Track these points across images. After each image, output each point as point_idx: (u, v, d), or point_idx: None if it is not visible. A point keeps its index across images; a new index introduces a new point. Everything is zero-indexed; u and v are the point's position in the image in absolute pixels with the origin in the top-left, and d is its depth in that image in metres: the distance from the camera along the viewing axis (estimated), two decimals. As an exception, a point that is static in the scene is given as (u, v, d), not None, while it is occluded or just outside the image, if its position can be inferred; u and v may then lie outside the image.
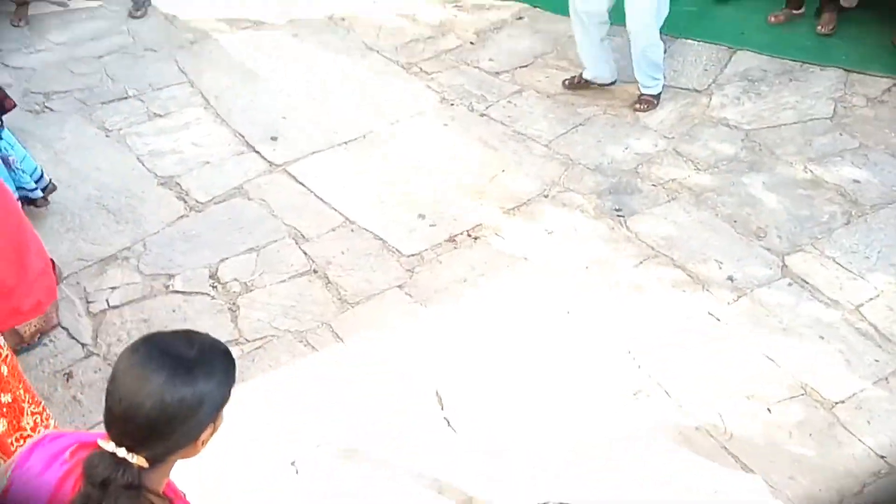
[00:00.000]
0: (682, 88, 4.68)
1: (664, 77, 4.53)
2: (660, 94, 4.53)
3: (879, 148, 4.11)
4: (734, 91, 4.62)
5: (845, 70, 4.71)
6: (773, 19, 5.22)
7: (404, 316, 3.35)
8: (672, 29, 5.16)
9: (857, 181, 3.89)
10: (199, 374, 1.30)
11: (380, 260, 3.61)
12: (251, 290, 3.47)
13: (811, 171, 3.98)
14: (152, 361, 1.28)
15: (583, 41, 4.49)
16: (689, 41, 5.07)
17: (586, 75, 4.62)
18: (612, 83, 4.63)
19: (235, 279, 3.52)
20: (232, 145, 4.33)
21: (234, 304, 3.42)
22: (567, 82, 4.71)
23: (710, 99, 4.58)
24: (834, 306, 3.27)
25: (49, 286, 3.09)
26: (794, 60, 4.83)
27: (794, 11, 5.23)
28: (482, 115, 4.52)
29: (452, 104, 4.61)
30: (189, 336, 1.36)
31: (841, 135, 4.22)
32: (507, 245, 3.68)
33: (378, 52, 5.10)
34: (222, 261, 3.62)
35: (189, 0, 5.69)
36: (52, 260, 3.31)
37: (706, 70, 4.82)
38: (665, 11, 4.30)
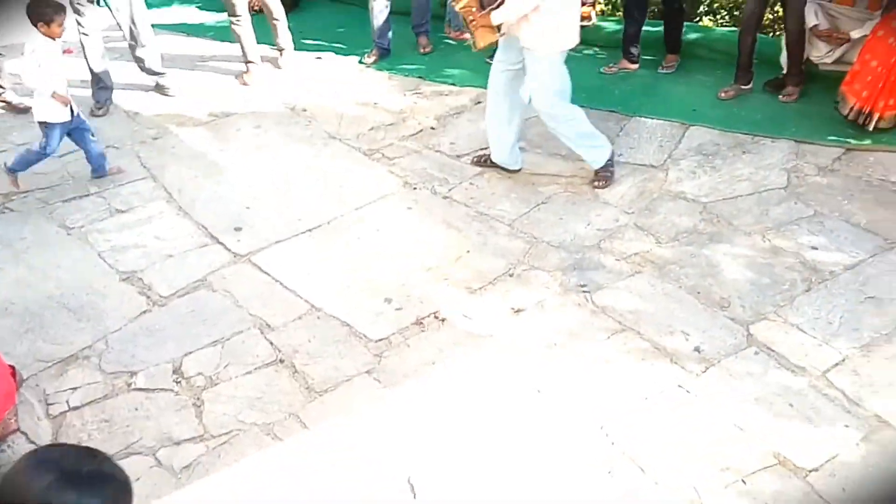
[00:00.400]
0: (639, 164, 4.79)
1: (607, 143, 4.60)
2: (610, 161, 4.59)
3: (834, 215, 4.20)
4: (690, 165, 4.74)
5: (796, 141, 4.87)
6: (723, 94, 5.41)
7: (373, 402, 3.29)
8: (626, 108, 5.36)
9: (815, 248, 3.96)
10: (85, 489, 1.29)
11: (347, 346, 3.57)
12: (216, 384, 3.40)
13: (769, 241, 4.05)
14: (43, 465, 1.29)
15: (491, 119, 4.60)
16: (644, 119, 5.22)
17: (493, 157, 4.73)
18: (517, 171, 4.72)
19: (200, 373, 3.46)
20: (195, 237, 4.32)
21: (198, 398, 3.34)
22: (475, 159, 4.81)
23: (667, 174, 4.68)
24: (801, 373, 3.28)
25: (7, 392, 3.01)
26: (746, 134, 4.99)
27: (743, 87, 5.44)
28: (445, 197, 4.58)
29: (415, 188, 4.66)
30: (91, 453, 1.36)
31: (796, 204, 4.32)
32: (475, 325, 3.67)
33: (340, 140, 5.18)
34: (186, 355, 3.56)
35: (151, 96, 5.78)
36: (11, 366, 3.24)
37: (661, 146, 4.95)
38: (564, 86, 4.38)
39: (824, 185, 4.47)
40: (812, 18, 5.20)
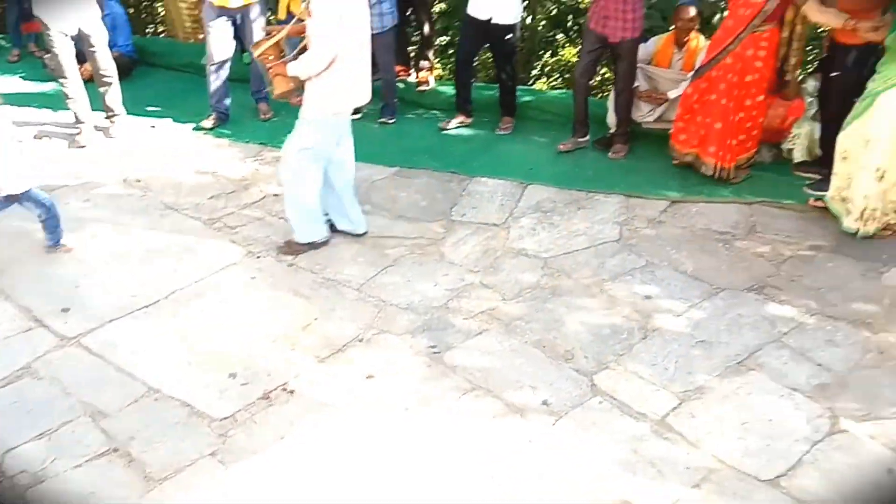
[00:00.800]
0: (482, 223, 4.89)
1: (322, 230, 4.61)
2: (312, 245, 4.57)
3: (664, 265, 4.44)
4: (530, 222, 4.89)
5: (626, 195, 5.14)
6: (561, 147, 5.71)
7: (218, 486, 3.12)
8: (467, 169, 5.49)
9: (648, 297, 4.16)
10: None
11: (188, 428, 3.38)
12: (42, 481, 3.12)
13: (607, 292, 4.22)
14: None
15: (323, 187, 4.57)
16: (484, 179, 5.37)
17: (335, 224, 4.75)
18: (363, 234, 4.73)
19: (24, 471, 3.17)
20: (17, 321, 4.00)
21: (22, 499, 3.06)
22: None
23: (509, 231, 4.81)
24: (642, 419, 3.39)
25: None
26: (580, 190, 5.22)
27: (580, 139, 5.75)
28: (290, 265, 4.49)
29: (259, 257, 4.55)
30: None
31: (629, 255, 4.54)
32: (326, 394, 3.58)
33: (178, 210, 5.00)
34: (8, 451, 3.26)
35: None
36: None
37: (502, 205, 5.09)
38: (318, 147, 4.33)
39: (654, 237, 4.72)
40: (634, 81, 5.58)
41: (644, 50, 5.64)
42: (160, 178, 5.35)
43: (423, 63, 6.73)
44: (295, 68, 4.16)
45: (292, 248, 4.57)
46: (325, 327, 4.01)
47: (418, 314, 4.10)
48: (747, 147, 5.20)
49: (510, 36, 5.78)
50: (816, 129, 5.24)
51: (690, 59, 5.45)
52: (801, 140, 5.35)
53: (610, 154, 5.64)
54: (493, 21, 5.66)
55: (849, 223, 4.59)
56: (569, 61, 9.74)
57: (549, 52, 9.35)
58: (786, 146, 5.49)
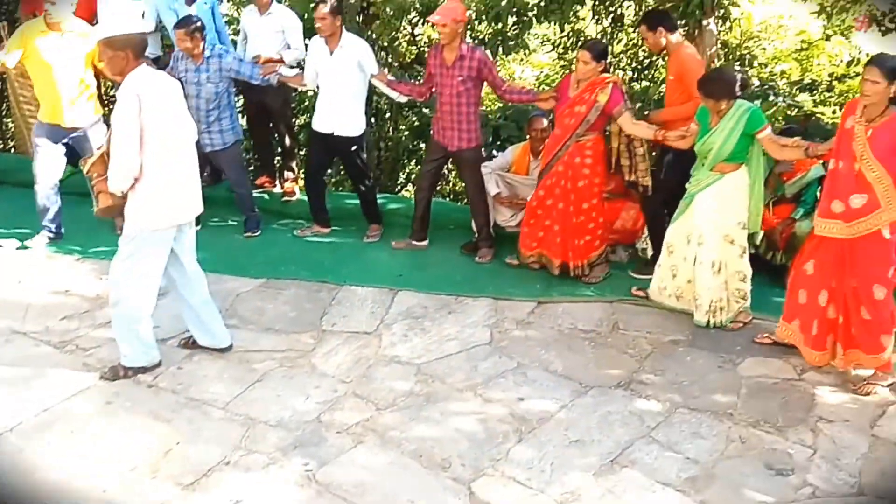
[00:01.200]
0: (353, 332, 4.83)
1: (154, 356, 4.34)
2: (142, 369, 4.30)
3: (535, 365, 4.50)
4: (401, 329, 4.87)
5: (494, 298, 5.23)
6: (394, 245, 5.94)
7: None
8: (336, 277, 5.47)
9: (521, 399, 4.18)
10: None
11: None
12: None
13: (481, 396, 4.21)
14: None
15: (180, 301, 4.46)
16: (354, 287, 5.34)
17: (198, 339, 4.58)
18: (228, 349, 4.56)
19: None
20: None
21: None
22: (182, 342, 4.61)
23: (381, 339, 4.76)
24: (523, 526, 3.35)
25: None
26: (450, 294, 5.27)
27: (415, 242, 5.94)
28: (150, 386, 4.24)
29: (115, 379, 4.28)
30: None
31: (501, 357, 4.58)
32: (190, 526, 3.34)
33: (25, 335, 4.66)
34: None
35: None
36: None
37: (373, 312, 5.06)
38: (145, 270, 4.12)
39: (523, 338, 4.80)
40: (493, 188, 5.81)
41: (503, 158, 5.93)
42: (6, 301, 5.01)
43: (288, 174, 6.76)
44: (109, 184, 4.00)
45: (117, 372, 4.27)
46: (188, 451, 3.77)
47: (289, 431, 3.94)
48: (594, 246, 5.46)
49: (355, 147, 5.93)
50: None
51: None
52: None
53: (476, 259, 5.77)
54: (335, 134, 5.83)
55: (699, 317, 4.87)
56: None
57: (414, 160, 9.61)
58: (640, 245, 5.80)
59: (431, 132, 5.73)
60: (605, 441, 3.85)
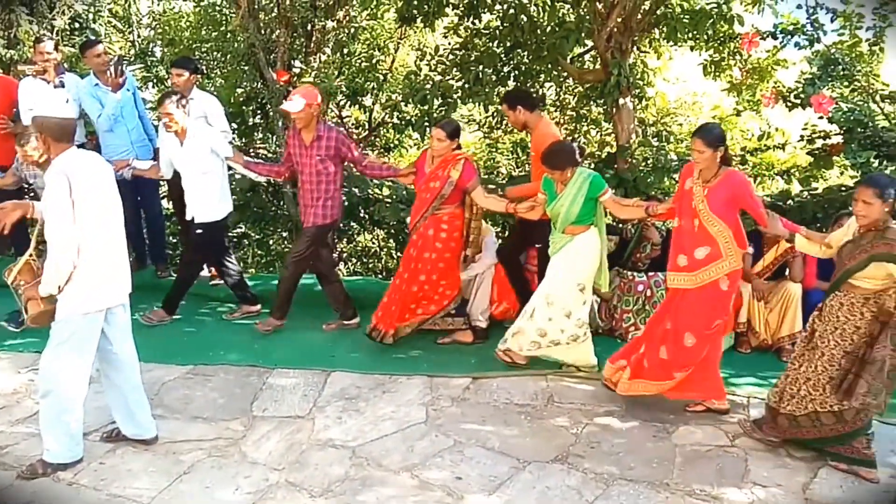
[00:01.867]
0: (285, 417, 4.71)
1: (77, 452, 4.13)
2: (62, 466, 4.09)
3: (471, 442, 4.44)
4: (335, 411, 4.78)
5: (429, 376, 5.19)
6: (325, 326, 5.91)
7: None
8: (267, 360, 5.36)
9: (459, 478, 4.11)
10: None
11: None
12: None
13: (418, 477, 4.12)
14: None
15: (107, 390, 4.32)
16: (285, 370, 5.24)
17: (122, 429, 4.39)
18: (154, 440, 4.38)
19: None
20: None
21: None
22: (105, 435, 4.42)
23: (314, 423, 4.65)
24: None
25: None
26: (384, 374, 5.21)
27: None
28: (70, 483, 4.02)
29: (33, 478, 4.04)
30: None
31: (437, 436, 4.51)
32: None
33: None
34: None
35: None
36: None
37: (305, 395, 4.96)
38: (76, 359, 3.98)
39: (459, 415, 4.75)
40: None
41: None
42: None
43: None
44: (45, 287, 3.89)
45: (35, 470, 4.03)
46: (111, 551, 3.58)
47: (219, 524, 3.78)
48: (416, 313, 5.61)
49: (200, 232, 5.90)
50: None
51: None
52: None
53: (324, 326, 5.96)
54: (195, 220, 5.87)
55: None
56: (367, 246, 10.07)
57: (346, 239, 9.63)
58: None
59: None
60: (545, 518, 3.81)
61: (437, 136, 5.41)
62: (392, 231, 8.60)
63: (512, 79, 7.93)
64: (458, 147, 5.54)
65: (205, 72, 9.42)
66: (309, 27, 8.78)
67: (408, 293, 5.51)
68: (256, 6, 8.37)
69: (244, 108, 8.24)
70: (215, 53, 9.38)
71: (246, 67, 8.48)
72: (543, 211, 5.16)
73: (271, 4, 8.71)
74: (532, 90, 8.77)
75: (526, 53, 7.59)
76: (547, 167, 4.99)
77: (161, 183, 6.91)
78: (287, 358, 5.42)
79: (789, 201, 7.05)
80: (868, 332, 4.03)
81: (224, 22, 9.11)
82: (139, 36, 11.43)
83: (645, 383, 4.71)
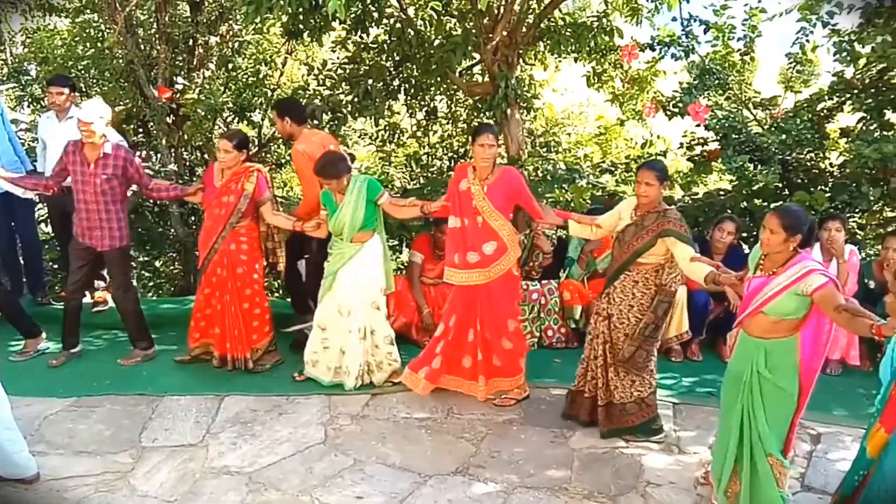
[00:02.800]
0: (177, 446, 4.54)
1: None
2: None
3: (371, 460, 4.39)
4: (230, 437, 4.64)
5: (327, 395, 5.10)
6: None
7: None
8: (156, 388, 5.16)
9: (359, 497, 4.05)
10: None
11: None
12: None
13: (318, 499, 4.04)
14: None
15: None
16: (176, 396, 5.05)
17: None
18: (35, 479, 4.14)
19: None
20: None
21: None
22: None
23: (208, 450, 4.50)
24: None
25: None
26: (280, 395, 5.09)
27: (73, 350, 5.68)
28: (-60, 532, 3.76)
29: None
30: None
31: (336, 455, 4.44)
32: None
33: None
34: None
35: None
36: None
37: (198, 422, 4.79)
38: None
39: (359, 432, 4.69)
40: None
41: None
42: None
43: (99, 283, 6.38)
44: None
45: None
46: None
47: (107, 563, 3.59)
48: (264, 332, 5.54)
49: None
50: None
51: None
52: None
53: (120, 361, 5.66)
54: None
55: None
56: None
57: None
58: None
59: (74, 237, 5.49)
60: (447, 531, 3.80)
61: (223, 148, 5.26)
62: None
63: (402, 92, 7.93)
64: (248, 158, 5.47)
65: (83, 90, 9.02)
66: (191, 42, 8.53)
67: (240, 314, 5.37)
68: (134, 22, 8.10)
69: (125, 125, 7.92)
70: (92, 71, 8.96)
71: (125, 85, 8.16)
72: (329, 227, 5.18)
73: (150, 20, 8.43)
74: (423, 103, 8.83)
75: (415, 67, 7.60)
76: (323, 179, 5.05)
77: (37, 205, 6.58)
78: (177, 384, 5.23)
79: (673, 206, 7.30)
80: (651, 303, 4.41)
81: (100, 39, 8.73)
82: (11, 54, 10.85)
83: (503, 381, 4.95)
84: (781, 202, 6.99)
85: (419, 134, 9.61)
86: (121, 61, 8.17)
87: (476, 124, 7.25)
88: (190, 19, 8.54)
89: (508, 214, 4.81)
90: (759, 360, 3.55)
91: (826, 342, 3.55)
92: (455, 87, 8.18)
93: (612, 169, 8.44)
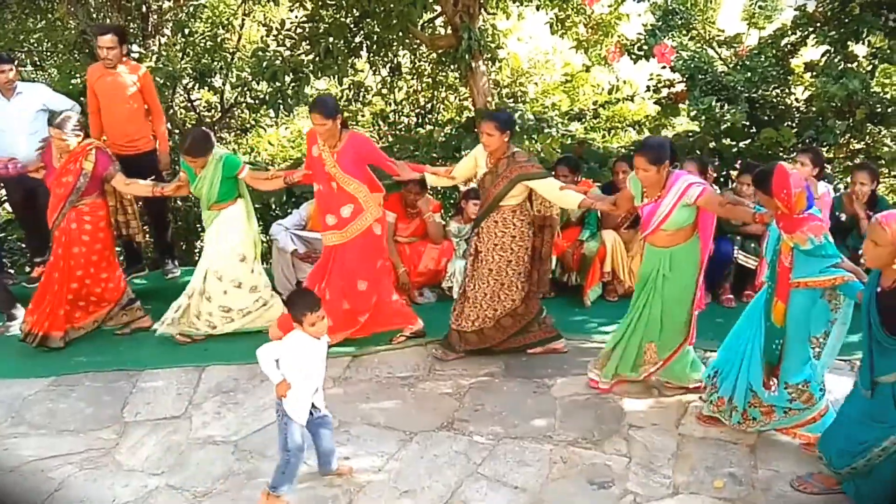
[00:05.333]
0: (160, 419, 4.53)
1: None
2: None
3: (357, 421, 4.40)
4: (213, 406, 4.63)
5: (308, 359, 5.09)
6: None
7: None
8: (136, 363, 5.12)
9: (347, 458, 4.06)
10: None
11: None
12: None
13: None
14: None
15: None
16: (156, 370, 5.02)
17: None
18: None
19: None
20: None
21: None
22: None
23: (192, 421, 4.49)
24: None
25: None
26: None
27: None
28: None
29: None
30: None
31: (321, 419, 4.44)
32: None
33: None
34: None
35: None
36: None
37: (179, 394, 4.77)
38: None
39: (342, 395, 4.70)
40: (290, 244, 5.88)
41: (297, 216, 6.02)
42: None
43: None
44: None
45: None
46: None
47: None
48: (89, 312, 5.51)
49: None
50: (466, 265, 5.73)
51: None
52: (457, 276, 5.78)
53: None
54: None
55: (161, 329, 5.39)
56: None
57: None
58: (445, 284, 5.90)
59: None
60: (436, 486, 3.83)
61: (56, 136, 5.11)
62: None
63: (364, 49, 7.82)
64: (87, 136, 5.36)
65: (38, 63, 8.82)
66: (144, 9, 8.32)
67: (66, 293, 5.31)
68: (84, -10, 7.88)
69: (82, 98, 7.75)
70: (45, 44, 8.75)
71: (79, 56, 7.96)
72: (189, 189, 5.35)
73: (101, -14, 8.21)
74: (386, 60, 8.72)
75: (375, 22, 7.48)
76: (189, 158, 5.13)
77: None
78: (157, 358, 5.18)
79: (518, 149, 7.30)
80: (521, 237, 4.77)
81: (51, 10, 8.49)
82: (-44, 30, 10.57)
83: (336, 336, 4.92)
84: (749, 140, 7.04)
85: (384, 91, 9.51)
86: (73, 32, 7.95)
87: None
88: (143, -16, 8.33)
89: (362, 176, 4.96)
90: (664, 265, 4.23)
91: (708, 238, 4.29)
92: (418, 41, 8.07)
93: (580, 116, 8.43)
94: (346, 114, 10.02)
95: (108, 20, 8.03)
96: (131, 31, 8.24)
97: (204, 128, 5.64)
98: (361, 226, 4.97)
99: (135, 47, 8.09)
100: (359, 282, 5.07)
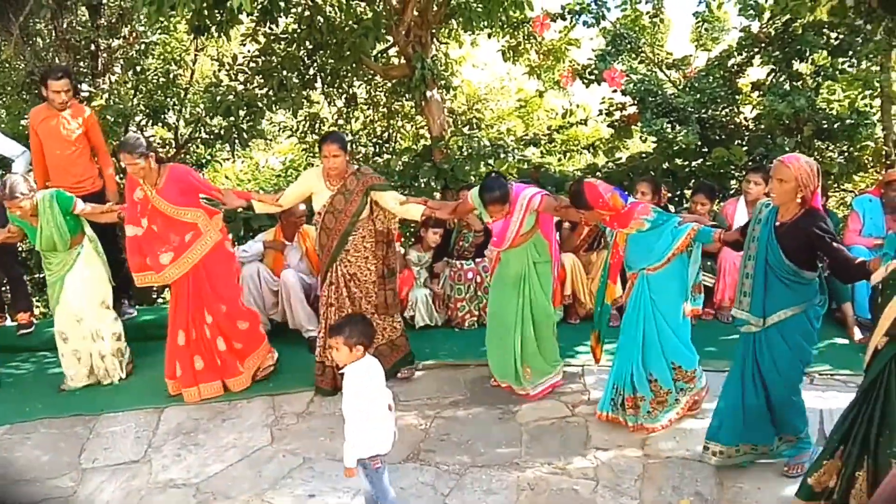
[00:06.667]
0: (118, 464, 4.42)
1: None
2: None
3: (321, 457, 4.34)
4: (173, 449, 4.53)
5: (270, 395, 5.02)
6: None
7: None
8: (91, 407, 5.00)
9: (312, 496, 3.99)
10: None
11: None
12: None
13: (270, 502, 3.97)
14: None
15: None
16: (113, 414, 4.91)
17: None
18: None
19: None
20: None
21: None
22: None
23: (151, 465, 4.39)
24: None
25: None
26: (222, 402, 4.98)
27: None
28: None
29: None
30: None
31: (284, 456, 4.37)
32: None
33: None
34: None
35: None
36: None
37: (138, 437, 4.67)
38: None
39: (306, 430, 4.63)
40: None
41: (256, 245, 5.88)
42: None
43: (21, 304, 6.16)
44: None
45: None
46: None
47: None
48: None
49: None
50: (428, 294, 5.73)
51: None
52: (419, 306, 5.76)
53: None
54: None
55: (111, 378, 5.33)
56: None
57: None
58: (407, 314, 5.87)
59: None
60: (403, 519, 3.78)
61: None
62: None
63: (318, 81, 7.82)
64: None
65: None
66: (93, 48, 8.24)
67: None
68: (30, 31, 7.77)
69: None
70: (-8, 86, 8.62)
71: (27, 97, 7.85)
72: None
73: (47, 28, 8.10)
74: (341, 91, 8.72)
75: (328, 54, 7.49)
76: (10, 206, 4.99)
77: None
78: (114, 401, 5.07)
79: (598, 173, 7.40)
80: (376, 248, 4.93)
81: (-4, 51, 8.39)
82: None
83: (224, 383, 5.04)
84: (702, 159, 7.16)
85: (341, 122, 9.50)
86: (21, 73, 7.85)
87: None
88: (90, 24, 8.24)
89: (194, 203, 4.94)
90: (530, 256, 4.68)
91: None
92: (372, 71, 8.10)
93: (535, 141, 8.49)
94: (302, 146, 10.09)
95: (56, 60, 7.93)
96: (81, 69, 8.15)
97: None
98: (205, 247, 4.93)
99: (84, 86, 8.00)
100: (239, 322, 5.08)
